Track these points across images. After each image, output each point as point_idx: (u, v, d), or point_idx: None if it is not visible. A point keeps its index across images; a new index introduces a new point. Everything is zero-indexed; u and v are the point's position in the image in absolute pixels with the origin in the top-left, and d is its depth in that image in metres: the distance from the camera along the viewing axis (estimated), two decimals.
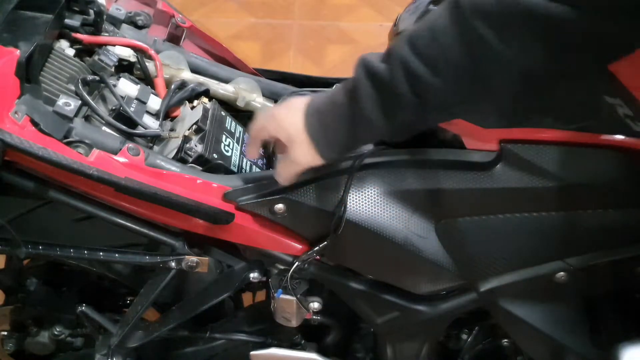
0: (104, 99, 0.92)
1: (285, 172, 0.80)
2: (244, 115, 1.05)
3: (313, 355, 1.07)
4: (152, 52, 0.99)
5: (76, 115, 0.83)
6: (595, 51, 0.63)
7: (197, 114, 0.94)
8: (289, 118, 0.74)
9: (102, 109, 0.88)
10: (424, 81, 0.64)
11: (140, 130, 0.89)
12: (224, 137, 0.95)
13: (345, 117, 0.70)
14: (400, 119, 0.69)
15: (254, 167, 0.98)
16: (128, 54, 0.98)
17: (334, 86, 0.75)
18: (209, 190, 0.87)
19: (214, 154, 0.90)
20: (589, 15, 0.58)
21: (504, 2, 0.60)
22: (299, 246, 0.91)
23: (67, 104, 0.82)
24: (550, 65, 0.64)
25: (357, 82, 0.68)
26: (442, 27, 0.63)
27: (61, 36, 0.92)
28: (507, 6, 0.60)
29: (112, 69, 0.93)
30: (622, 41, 0.62)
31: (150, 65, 1.00)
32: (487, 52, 0.62)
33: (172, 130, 0.95)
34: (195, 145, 0.90)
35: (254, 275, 0.98)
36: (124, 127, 0.87)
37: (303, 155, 0.74)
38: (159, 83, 0.99)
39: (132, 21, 1.06)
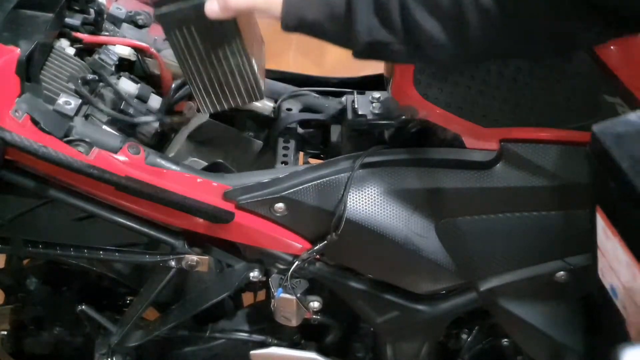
0: (103, 98, 0.92)
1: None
2: (244, 115, 1.05)
3: (313, 355, 1.07)
4: (152, 51, 0.99)
5: (76, 114, 0.83)
6: None
7: None
8: None
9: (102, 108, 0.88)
10: (415, 23, 0.66)
11: (142, 118, 0.89)
12: None
13: (333, 14, 0.69)
14: (380, 40, 0.69)
15: None
16: (128, 53, 0.97)
17: None
18: (209, 189, 0.87)
19: None
20: None
21: None
22: (299, 245, 0.91)
23: (68, 102, 0.82)
24: None
25: None
26: None
27: (61, 35, 0.92)
28: None
29: (113, 68, 0.93)
30: None
31: (151, 64, 1.00)
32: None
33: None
34: None
35: (253, 275, 0.98)
36: (126, 118, 0.87)
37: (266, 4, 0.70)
38: (164, 79, 0.99)
39: (132, 20, 1.05)
